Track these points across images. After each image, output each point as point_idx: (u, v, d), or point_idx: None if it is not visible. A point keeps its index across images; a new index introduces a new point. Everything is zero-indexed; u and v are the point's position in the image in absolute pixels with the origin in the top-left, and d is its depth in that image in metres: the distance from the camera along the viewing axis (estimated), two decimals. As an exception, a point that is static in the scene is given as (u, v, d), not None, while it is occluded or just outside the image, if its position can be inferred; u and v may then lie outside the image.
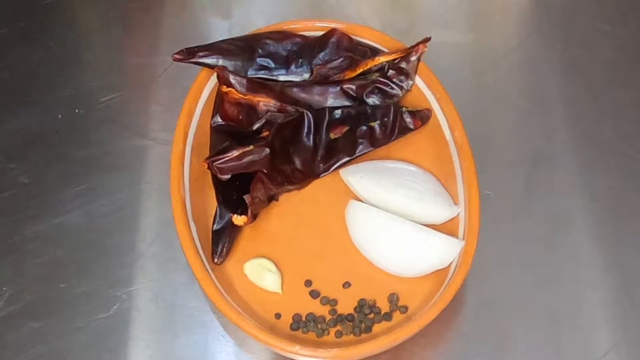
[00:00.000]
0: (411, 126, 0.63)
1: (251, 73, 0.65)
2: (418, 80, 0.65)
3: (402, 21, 0.74)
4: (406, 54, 0.64)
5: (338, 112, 0.63)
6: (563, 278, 0.61)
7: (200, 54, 0.64)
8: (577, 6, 0.75)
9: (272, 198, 0.61)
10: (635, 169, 0.66)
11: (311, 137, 0.63)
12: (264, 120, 0.62)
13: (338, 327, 0.57)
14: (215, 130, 0.64)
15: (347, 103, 0.64)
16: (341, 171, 0.62)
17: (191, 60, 0.64)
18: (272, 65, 0.65)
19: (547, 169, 0.66)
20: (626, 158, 0.67)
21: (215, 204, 0.61)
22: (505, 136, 0.68)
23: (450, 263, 0.58)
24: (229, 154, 0.60)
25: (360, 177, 0.61)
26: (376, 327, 0.57)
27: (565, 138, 0.67)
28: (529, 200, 0.64)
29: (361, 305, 0.58)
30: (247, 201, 0.58)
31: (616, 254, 0.62)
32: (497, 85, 0.71)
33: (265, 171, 0.60)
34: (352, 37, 0.66)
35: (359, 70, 0.65)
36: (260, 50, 0.65)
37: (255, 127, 0.62)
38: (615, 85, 0.70)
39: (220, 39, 0.66)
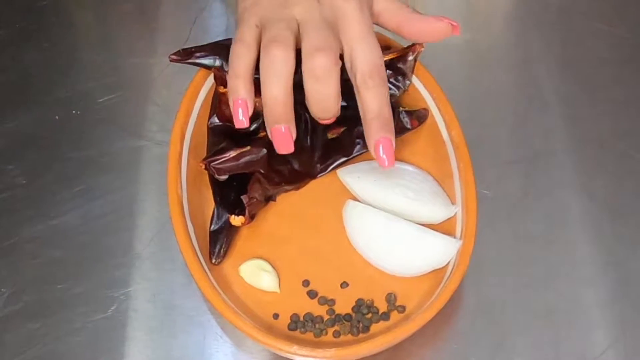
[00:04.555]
0: (408, 126, 0.63)
1: (248, 73, 0.65)
2: (415, 80, 0.65)
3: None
4: (403, 53, 0.64)
5: (335, 112, 0.63)
6: (561, 277, 0.61)
7: (197, 54, 0.64)
8: (574, 5, 0.75)
9: (269, 198, 0.61)
10: (634, 167, 0.66)
11: (308, 137, 0.63)
12: (261, 121, 0.62)
13: (336, 327, 0.57)
14: (212, 130, 0.63)
15: (344, 103, 0.64)
16: (338, 171, 0.62)
17: (188, 60, 0.64)
18: (269, 65, 0.65)
19: (544, 168, 0.66)
20: (624, 157, 0.67)
21: (213, 204, 0.61)
22: (502, 135, 0.68)
23: (448, 262, 0.58)
24: (226, 155, 0.60)
25: (357, 177, 0.61)
26: (374, 327, 0.57)
27: (563, 137, 0.67)
28: (527, 199, 0.64)
29: (359, 305, 0.58)
30: (244, 201, 0.58)
31: (614, 253, 0.62)
32: (494, 85, 0.71)
33: (262, 171, 0.60)
34: (349, 37, 0.66)
35: (356, 70, 0.64)
36: (257, 51, 0.65)
37: (253, 127, 0.62)
38: (613, 84, 0.70)
39: (217, 39, 0.66)
